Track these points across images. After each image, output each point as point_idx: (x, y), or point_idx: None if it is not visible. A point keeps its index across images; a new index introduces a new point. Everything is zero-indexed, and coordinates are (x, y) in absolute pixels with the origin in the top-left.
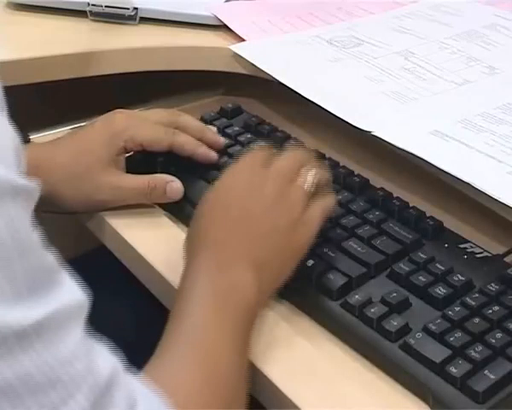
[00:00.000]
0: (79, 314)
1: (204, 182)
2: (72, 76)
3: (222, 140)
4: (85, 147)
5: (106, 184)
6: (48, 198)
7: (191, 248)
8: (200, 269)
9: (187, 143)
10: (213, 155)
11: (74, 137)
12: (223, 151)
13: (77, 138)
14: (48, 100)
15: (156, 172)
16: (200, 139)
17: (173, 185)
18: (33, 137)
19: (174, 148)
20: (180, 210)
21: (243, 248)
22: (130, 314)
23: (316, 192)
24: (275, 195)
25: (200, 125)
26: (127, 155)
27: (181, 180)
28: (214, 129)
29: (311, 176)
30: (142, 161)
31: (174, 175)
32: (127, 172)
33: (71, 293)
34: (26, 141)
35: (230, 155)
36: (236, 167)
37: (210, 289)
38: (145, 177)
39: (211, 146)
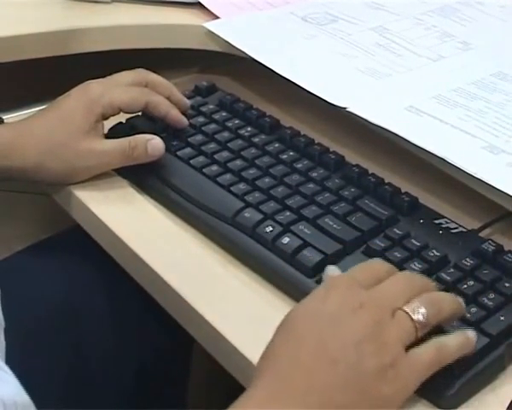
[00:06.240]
0: None
1: (171, 156)
2: (44, 55)
3: (187, 101)
4: (65, 116)
5: (89, 151)
6: (32, 172)
7: (257, 369)
8: (251, 398)
9: (161, 104)
10: (184, 120)
11: (51, 109)
12: (197, 129)
13: (54, 110)
14: (18, 80)
15: None
16: (168, 98)
17: (154, 143)
18: (6, 117)
19: (149, 107)
20: (146, 182)
21: (307, 390)
22: (105, 292)
23: (431, 332)
24: (365, 328)
25: (168, 83)
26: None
27: None
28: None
29: (425, 307)
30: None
31: None
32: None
33: None
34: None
35: (205, 134)
36: (331, 284)
37: None
38: (125, 138)
39: (176, 105)
